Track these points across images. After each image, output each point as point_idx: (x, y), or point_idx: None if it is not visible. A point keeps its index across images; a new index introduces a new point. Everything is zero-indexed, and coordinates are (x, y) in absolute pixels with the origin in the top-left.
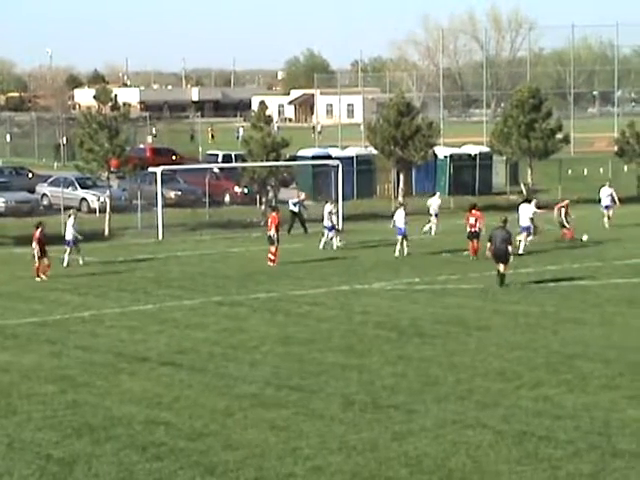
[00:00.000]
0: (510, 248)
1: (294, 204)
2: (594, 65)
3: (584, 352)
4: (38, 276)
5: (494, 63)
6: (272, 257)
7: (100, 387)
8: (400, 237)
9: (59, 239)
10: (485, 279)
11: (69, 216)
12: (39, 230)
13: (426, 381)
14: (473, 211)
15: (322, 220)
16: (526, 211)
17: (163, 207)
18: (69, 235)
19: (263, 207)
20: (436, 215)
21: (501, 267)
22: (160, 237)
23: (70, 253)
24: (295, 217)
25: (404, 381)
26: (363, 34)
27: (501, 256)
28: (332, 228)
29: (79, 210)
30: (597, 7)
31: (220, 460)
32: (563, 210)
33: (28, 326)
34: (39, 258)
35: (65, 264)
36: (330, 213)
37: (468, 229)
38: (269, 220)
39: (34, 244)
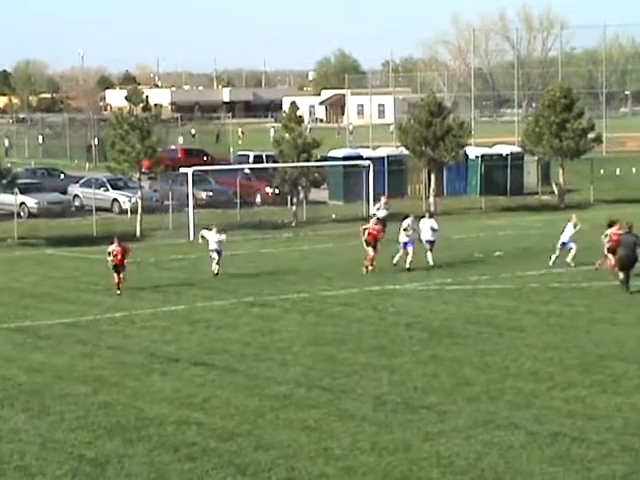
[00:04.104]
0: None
1: (377, 209)
2: (626, 64)
3: (617, 352)
4: (118, 289)
5: (525, 63)
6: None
7: (132, 387)
8: (559, 248)
9: (89, 240)
10: (517, 279)
11: (210, 229)
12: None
13: (458, 381)
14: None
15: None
16: None
17: (194, 208)
18: (213, 244)
19: (294, 208)
20: None
21: (628, 274)
22: (191, 238)
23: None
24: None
25: (436, 381)
26: (394, 34)
27: (631, 263)
28: (406, 244)
29: (110, 211)
30: (629, 6)
31: (252, 460)
32: None
33: (60, 327)
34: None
35: (216, 271)
36: (407, 228)
37: (608, 244)
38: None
39: (121, 257)
